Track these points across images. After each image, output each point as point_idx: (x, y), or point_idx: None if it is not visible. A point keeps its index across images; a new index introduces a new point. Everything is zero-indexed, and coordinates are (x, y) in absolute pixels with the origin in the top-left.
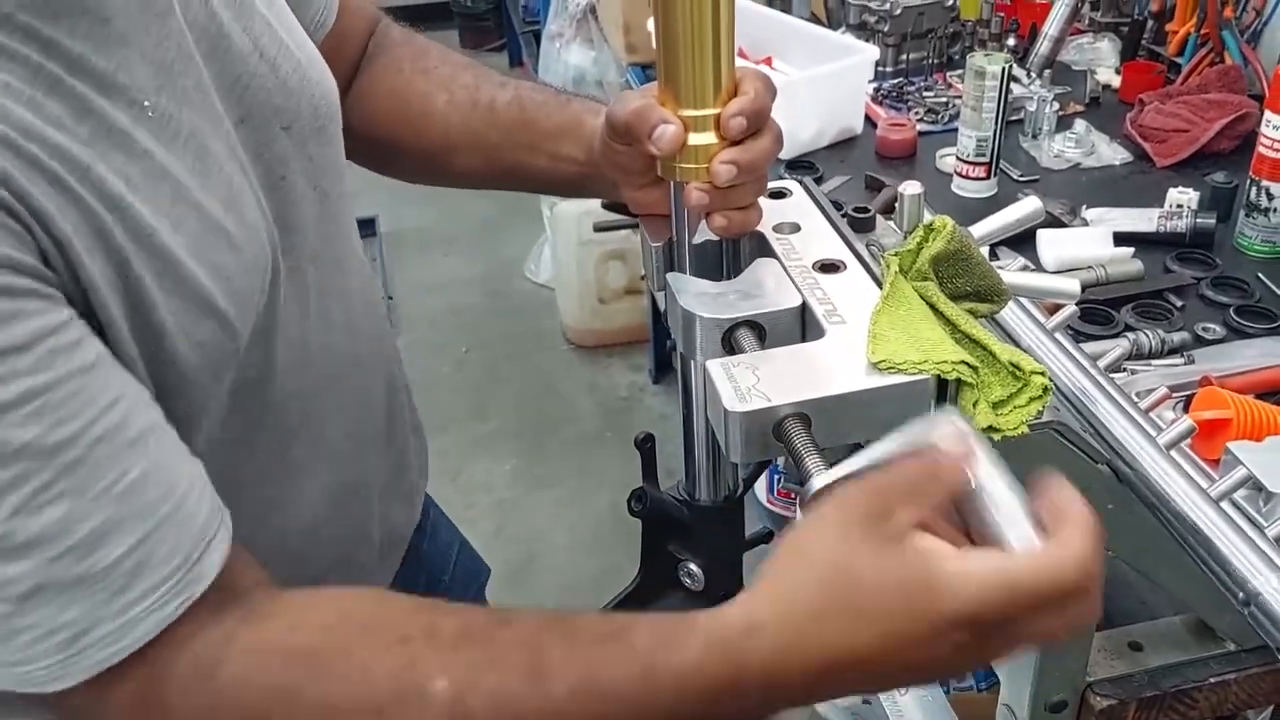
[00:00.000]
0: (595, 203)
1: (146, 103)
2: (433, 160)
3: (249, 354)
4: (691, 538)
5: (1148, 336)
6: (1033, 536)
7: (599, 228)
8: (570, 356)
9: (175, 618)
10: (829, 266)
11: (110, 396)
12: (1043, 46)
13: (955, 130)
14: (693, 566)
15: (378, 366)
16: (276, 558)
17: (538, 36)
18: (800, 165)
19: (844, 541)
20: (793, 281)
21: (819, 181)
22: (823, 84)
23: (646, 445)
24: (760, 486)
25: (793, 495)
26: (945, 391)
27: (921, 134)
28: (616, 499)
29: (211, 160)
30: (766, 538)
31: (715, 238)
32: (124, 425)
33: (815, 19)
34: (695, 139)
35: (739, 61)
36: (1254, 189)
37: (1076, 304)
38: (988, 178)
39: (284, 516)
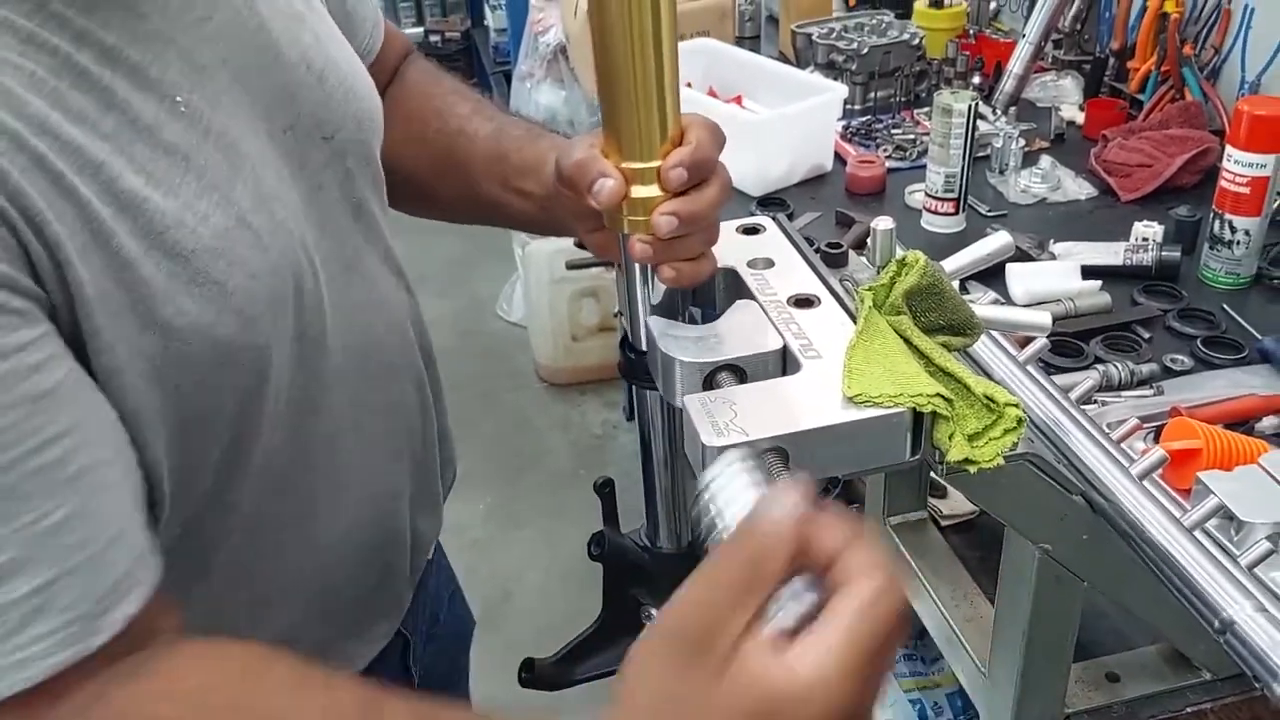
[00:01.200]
0: (567, 241)
1: (179, 98)
2: (421, 187)
3: (294, 355)
4: (652, 582)
5: (1117, 369)
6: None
7: (571, 265)
8: (543, 395)
9: (63, 666)
10: (803, 301)
11: (57, 429)
12: (1008, 84)
13: (924, 167)
14: (654, 611)
15: (410, 375)
16: (311, 564)
17: (508, 76)
18: (771, 202)
19: (673, 679)
20: (772, 324)
21: (790, 218)
22: (793, 122)
23: (605, 490)
24: None
25: None
26: (920, 424)
27: (890, 170)
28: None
29: (243, 160)
30: None
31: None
32: (64, 461)
33: (784, 58)
34: (637, 191)
35: (696, 105)
36: (1217, 222)
37: (1047, 337)
38: (956, 213)
39: (320, 524)
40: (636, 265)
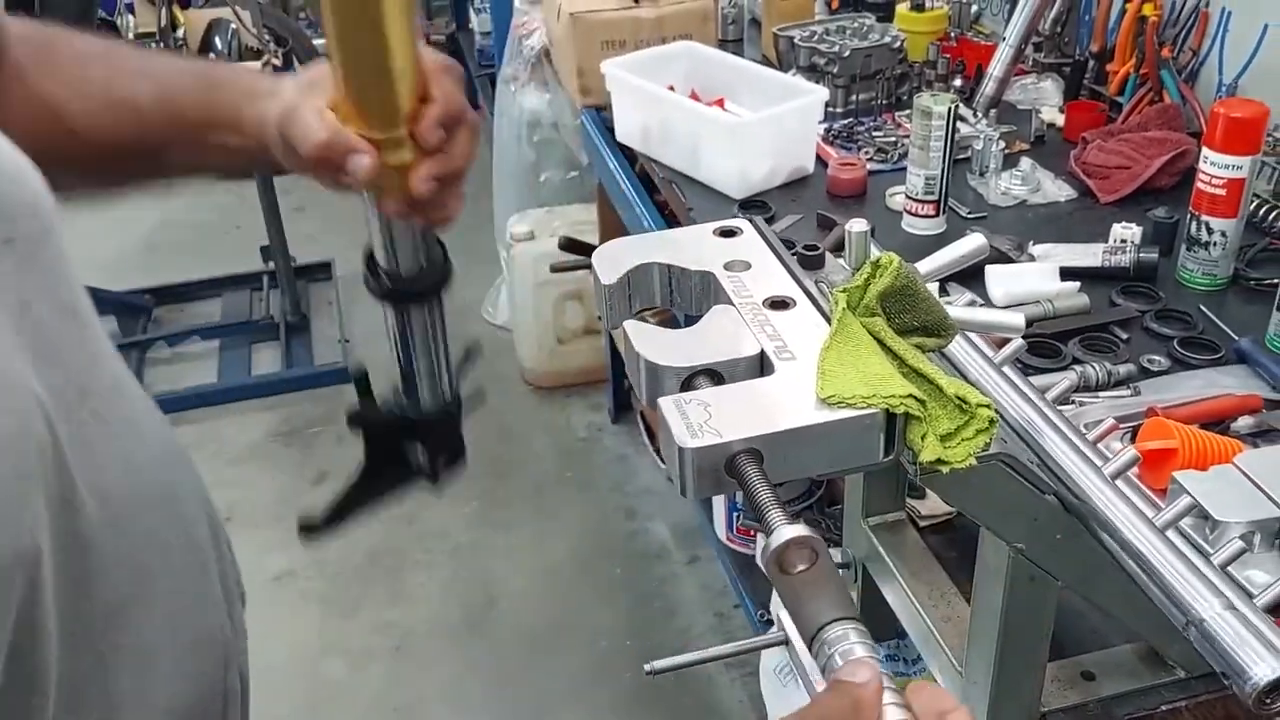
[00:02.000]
0: (552, 244)
1: None
2: (100, 175)
3: (53, 524)
4: (416, 434)
5: (1094, 369)
6: None
7: (556, 269)
8: (529, 398)
9: None
10: (779, 304)
11: None
12: (988, 87)
13: (905, 169)
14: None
15: (192, 494)
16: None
17: (493, 80)
18: (753, 205)
19: None
20: (748, 327)
21: (771, 221)
22: (774, 125)
23: (361, 379)
24: (719, 522)
25: (752, 533)
26: (894, 425)
27: (872, 173)
28: (576, 543)
29: None
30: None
31: None
32: None
33: (766, 61)
34: (391, 158)
35: (679, 108)
36: (1194, 224)
37: (1025, 337)
38: (937, 215)
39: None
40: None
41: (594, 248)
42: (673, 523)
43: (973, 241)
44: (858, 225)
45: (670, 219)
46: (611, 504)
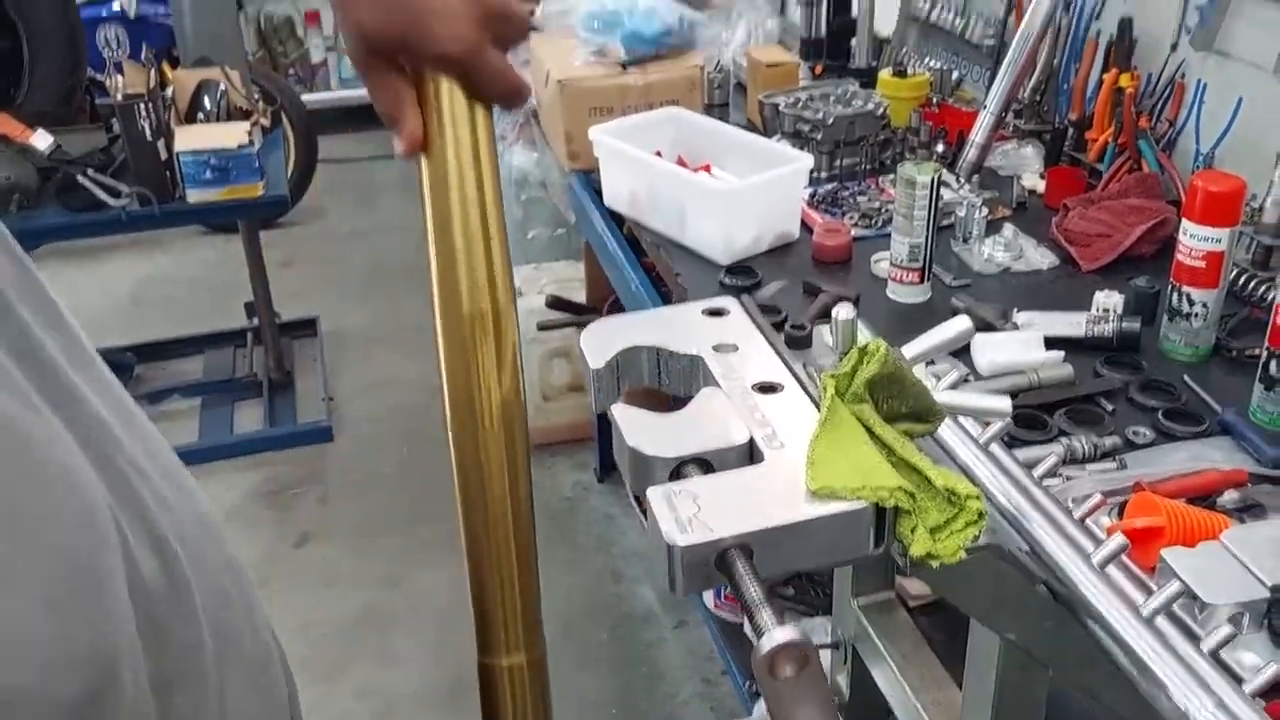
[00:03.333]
0: (540, 301)
1: None
2: None
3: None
4: None
5: (1080, 443)
6: None
7: (543, 326)
8: None
9: None
10: (767, 388)
11: None
12: (970, 153)
13: (889, 234)
14: None
15: (244, 592)
16: None
17: None
18: (739, 270)
19: None
20: (738, 413)
21: (758, 286)
22: (760, 192)
23: None
24: (707, 592)
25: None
26: (884, 517)
27: (857, 239)
28: (563, 605)
29: None
30: None
31: None
32: None
33: (752, 126)
34: None
35: (666, 174)
36: (1175, 294)
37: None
38: (921, 282)
39: None
40: None
41: (581, 306)
42: (660, 586)
43: (958, 325)
44: (844, 311)
45: (657, 281)
46: (598, 565)
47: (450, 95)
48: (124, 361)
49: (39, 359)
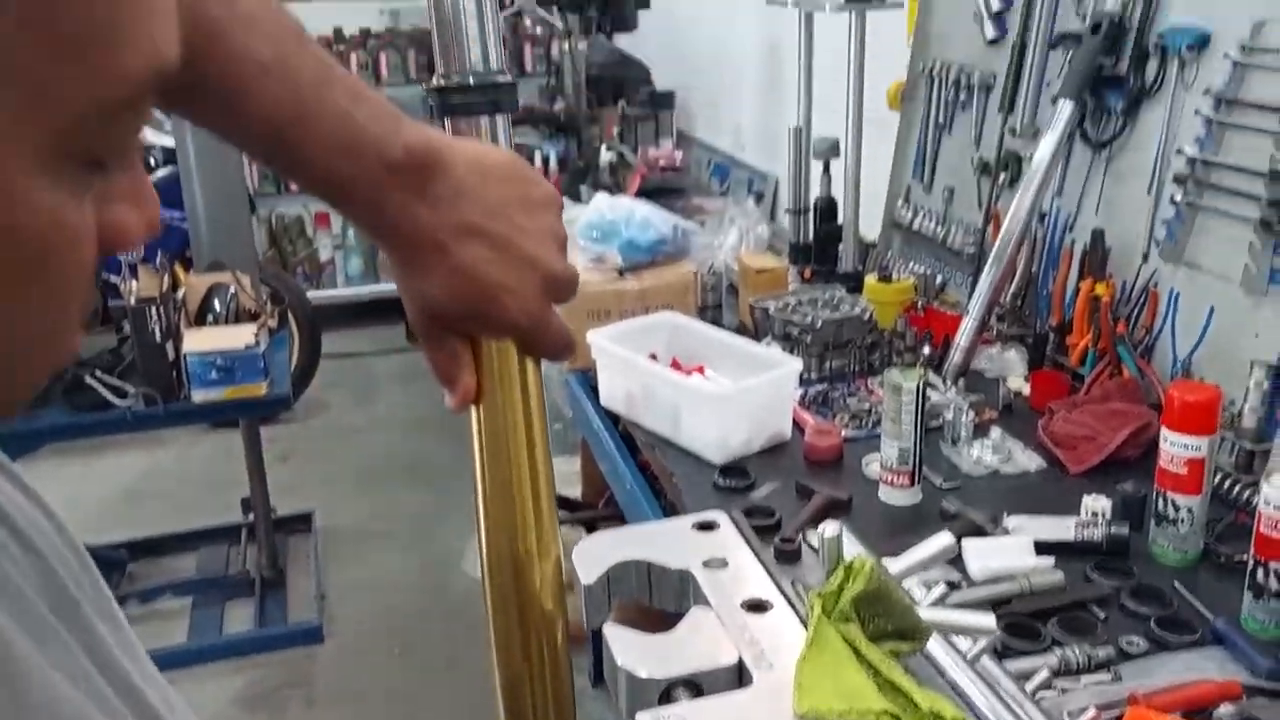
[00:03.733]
0: None
1: None
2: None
3: None
4: None
5: (1074, 653)
6: None
7: None
8: None
9: None
10: (756, 606)
11: None
12: (955, 356)
13: (879, 435)
14: None
15: None
16: None
17: None
18: (733, 471)
19: None
20: (727, 632)
21: (752, 488)
22: (752, 395)
23: None
24: None
25: None
26: None
27: (848, 440)
28: None
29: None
30: None
31: None
32: None
33: (743, 327)
34: None
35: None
36: (1160, 500)
37: (1003, 617)
38: (912, 485)
39: None
40: None
41: (579, 503)
42: None
43: (941, 541)
44: (830, 529)
45: (652, 479)
46: None
47: (504, 353)
48: (116, 558)
49: (109, 661)
